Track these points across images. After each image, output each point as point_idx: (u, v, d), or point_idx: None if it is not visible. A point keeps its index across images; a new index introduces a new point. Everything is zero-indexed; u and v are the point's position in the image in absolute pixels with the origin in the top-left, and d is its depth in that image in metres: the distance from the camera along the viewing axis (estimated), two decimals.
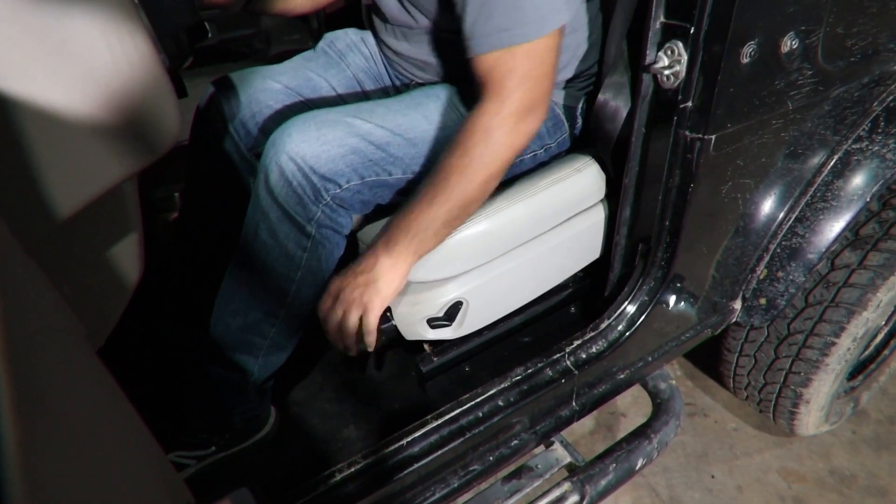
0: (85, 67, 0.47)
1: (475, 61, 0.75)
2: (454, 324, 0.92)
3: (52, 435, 0.21)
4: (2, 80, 0.45)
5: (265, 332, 0.88)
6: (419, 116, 0.83)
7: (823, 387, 1.19)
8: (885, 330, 1.32)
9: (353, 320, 0.79)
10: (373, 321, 0.79)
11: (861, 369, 1.37)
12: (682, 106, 0.76)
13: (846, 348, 1.13)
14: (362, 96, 1.06)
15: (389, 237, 0.77)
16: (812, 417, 1.27)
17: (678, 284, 0.96)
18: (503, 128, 0.74)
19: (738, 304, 1.08)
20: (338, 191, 0.79)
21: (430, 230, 0.76)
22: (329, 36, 1.06)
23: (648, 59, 0.74)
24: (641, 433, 1.02)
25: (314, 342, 1.17)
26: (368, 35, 1.07)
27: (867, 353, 1.35)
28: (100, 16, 0.46)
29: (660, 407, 1.07)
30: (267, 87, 0.97)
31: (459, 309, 0.91)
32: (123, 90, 0.49)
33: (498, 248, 0.91)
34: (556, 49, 0.75)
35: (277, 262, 0.83)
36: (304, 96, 0.99)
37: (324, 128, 0.77)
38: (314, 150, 0.76)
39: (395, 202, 0.87)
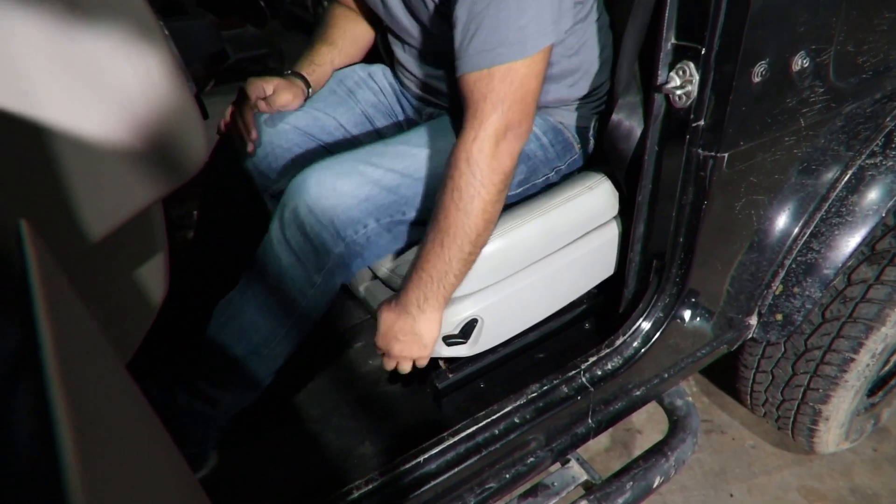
0: (119, 97, 0.49)
1: (460, 81, 0.76)
2: (469, 341, 0.93)
3: (103, 458, 0.23)
4: (41, 109, 0.47)
5: (246, 369, 0.90)
6: (427, 154, 0.86)
7: (843, 403, 1.17)
8: None
9: (407, 370, 0.89)
10: (423, 365, 0.89)
11: (881, 385, 1.35)
12: (694, 125, 0.77)
13: (865, 364, 1.11)
14: (372, 131, 1.07)
15: (419, 294, 0.80)
16: (832, 435, 1.25)
17: (693, 300, 0.96)
18: (483, 152, 0.73)
19: (753, 320, 1.07)
20: (354, 237, 0.82)
21: (450, 273, 0.78)
22: (338, 75, 1.07)
23: (660, 80, 0.75)
24: (658, 451, 1.01)
25: (329, 358, 1.18)
26: (376, 69, 1.10)
27: (887, 368, 1.33)
28: (134, 48, 0.48)
29: (676, 424, 1.06)
30: (278, 129, 0.98)
31: (475, 326, 0.92)
32: (155, 118, 0.51)
33: (513, 266, 0.92)
34: (538, 71, 0.74)
35: (276, 305, 0.86)
36: (314, 136, 1.01)
37: (339, 179, 0.80)
38: (331, 202, 0.80)
39: (414, 241, 0.89)
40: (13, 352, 0.24)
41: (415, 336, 0.83)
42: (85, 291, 0.49)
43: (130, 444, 0.32)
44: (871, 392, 1.32)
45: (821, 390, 1.16)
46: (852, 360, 1.10)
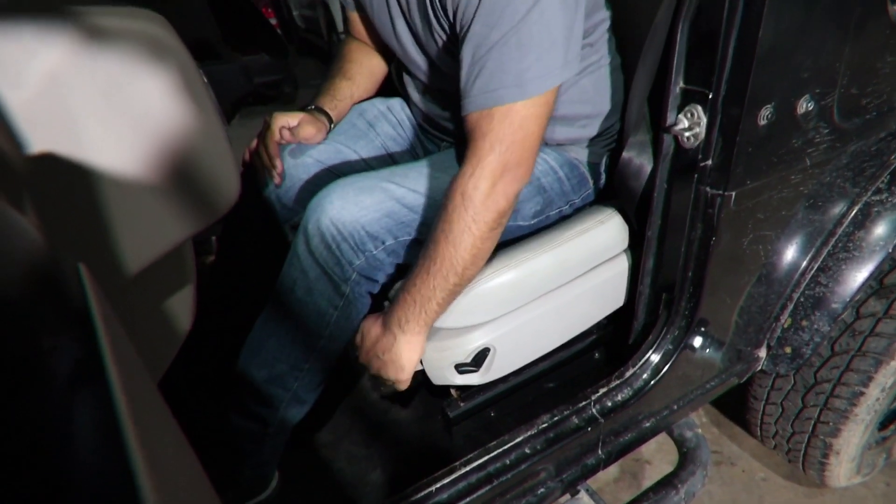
0: (160, 140, 0.52)
1: (464, 120, 0.78)
2: (481, 369, 0.94)
3: (161, 464, 0.25)
4: (89, 152, 0.51)
5: (288, 385, 0.91)
6: (448, 179, 0.88)
7: (853, 437, 1.17)
8: None
9: (388, 387, 0.88)
10: (403, 388, 0.88)
11: (892, 419, 1.34)
12: (702, 164, 0.79)
13: (875, 398, 1.12)
14: (391, 163, 1.10)
15: (401, 315, 0.81)
16: (843, 468, 1.24)
17: (702, 333, 0.98)
18: (479, 190, 0.75)
19: (762, 353, 1.08)
20: (374, 251, 0.84)
21: (433, 301, 0.79)
22: (357, 108, 1.11)
23: (669, 121, 0.78)
24: (668, 483, 1.01)
25: (342, 386, 1.20)
26: (394, 102, 1.13)
27: None
28: (177, 95, 0.52)
29: (686, 456, 1.07)
30: (299, 162, 1.01)
31: (487, 355, 0.94)
32: (192, 159, 0.54)
33: (524, 297, 0.94)
34: (539, 114, 0.75)
35: (309, 319, 0.87)
36: (335, 168, 1.04)
37: (362, 194, 0.82)
38: (353, 215, 0.81)
39: None
40: (75, 363, 0.27)
41: (394, 356, 0.83)
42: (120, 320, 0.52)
43: (175, 459, 0.34)
44: (883, 426, 1.31)
45: (831, 423, 1.16)
46: (862, 393, 1.10)
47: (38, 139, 0.47)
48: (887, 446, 1.34)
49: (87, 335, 0.29)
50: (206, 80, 0.56)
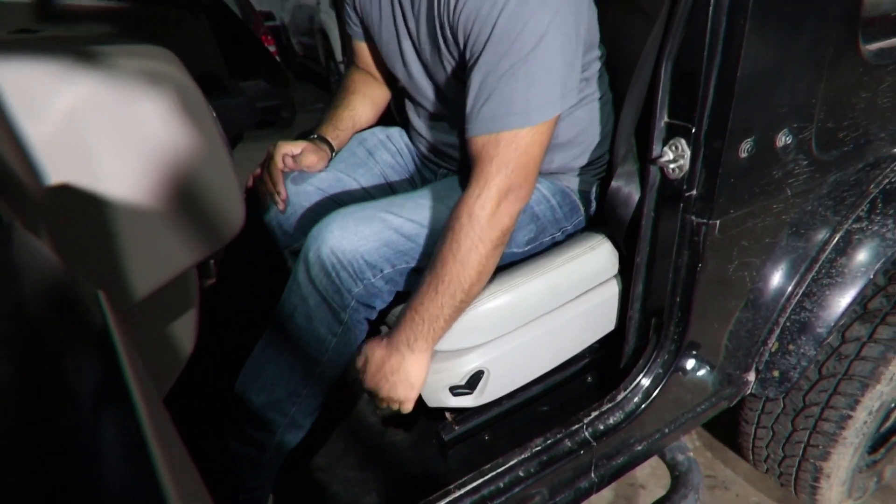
0: (170, 172, 0.55)
1: (468, 143, 0.82)
2: (475, 392, 0.96)
3: (180, 477, 0.27)
4: (98, 181, 0.53)
5: (286, 410, 0.93)
6: (444, 209, 0.91)
7: (843, 460, 1.19)
8: None
9: (394, 409, 0.89)
10: (409, 409, 0.89)
11: (882, 442, 1.36)
12: (687, 194, 0.83)
13: (862, 421, 1.13)
14: (389, 191, 1.13)
15: (409, 334, 0.83)
16: (834, 492, 1.25)
17: (692, 357, 1.00)
18: (485, 209, 0.79)
19: (751, 376, 1.10)
20: (372, 280, 0.86)
21: (440, 318, 0.82)
22: (358, 136, 1.14)
23: (655, 153, 0.82)
24: None
25: (337, 409, 1.21)
26: (393, 131, 1.17)
27: (887, 425, 1.35)
28: (188, 131, 0.54)
29: (678, 480, 1.08)
30: (300, 189, 1.05)
31: (481, 377, 0.95)
32: (200, 190, 0.57)
33: (518, 320, 0.96)
34: (541, 140, 0.80)
35: (308, 345, 0.89)
36: (335, 196, 1.07)
37: (361, 224, 0.85)
38: (353, 244, 0.84)
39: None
40: (98, 381, 0.29)
41: (403, 375, 0.85)
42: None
43: (187, 478, 0.36)
44: (873, 449, 1.32)
45: (821, 447, 1.18)
46: (849, 416, 1.12)
47: (56, 171, 0.49)
48: (878, 470, 1.35)
49: (106, 356, 0.31)
50: (214, 114, 0.59)
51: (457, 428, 1.00)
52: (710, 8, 0.71)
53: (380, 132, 1.16)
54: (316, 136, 1.07)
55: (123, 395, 0.26)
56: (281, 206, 1.02)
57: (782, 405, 1.22)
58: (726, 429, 1.52)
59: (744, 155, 0.80)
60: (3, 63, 0.48)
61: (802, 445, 1.20)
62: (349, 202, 1.08)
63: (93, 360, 0.32)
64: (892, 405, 1.26)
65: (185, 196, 0.55)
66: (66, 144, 0.49)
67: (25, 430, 0.22)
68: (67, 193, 0.50)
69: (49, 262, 0.34)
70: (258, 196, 1.06)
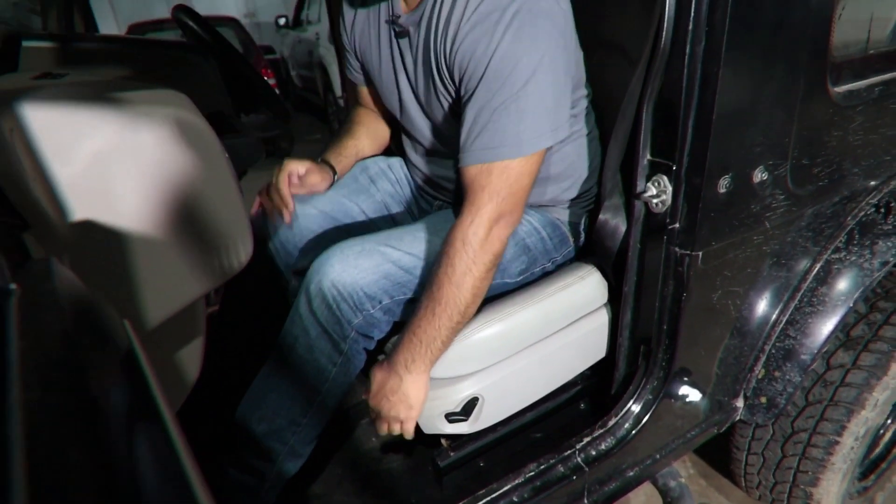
0: (185, 210, 0.59)
1: (462, 172, 0.87)
2: (470, 418, 0.98)
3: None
4: (118, 218, 0.57)
5: (286, 439, 0.95)
6: (440, 242, 0.94)
7: (832, 486, 1.20)
8: (894, 428, 1.35)
9: (396, 431, 0.93)
10: (410, 430, 0.93)
11: (872, 469, 1.38)
12: (670, 227, 0.87)
13: (850, 447, 1.16)
14: (388, 218, 1.19)
15: (407, 356, 0.87)
16: None
17: (681, 383, 1.03)
18: (478, 235, 0.83)
19: (740, 402, 1.13)
20: (371, 311, 0.90)
21: (437, 340, 0.86)
22: (360, 164, 1.21)
23: (639, 189, 0.87)
24: None
25: (334, 436, 1.22)
26: (394, 161, 1.23)
27: (876, 451, 1.37)
28: (202, 169, 0.59)
29: None
30: (305, 213, 1.10)
31: (476, 404, 0.98)
32: (212, 227, 0.61)
33: (511, 348, 0.99)
34: (531, 170, 0.85)
35: (309, 375, 0.92)
36: (337, 219, 1.12)
37: (360, 257, 0.90)
38: (353, 277, 0.88)
39: None
40: (128, 405, 0.32)
41: (402, 395, 0.89)
42: None
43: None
44: (864, 475, 1.34)
45: (810, 472, 1.19)
46: (837, 442, 1.15)
47: (80, 208, 0.53)
48: (869, 496, 1.36)
49: (134, 380, 0.34)
50: (227, 155, 0.63)
51: (452, 454, 1.02)
52: (686, 57, 0.76)
53: (382, 161, 1.22)
54: (321, 159, 1.13)
55: (154, 417, 0.30)
56: (287, 219, 1.06)
57: (772, 431, 1.24)
58: (720, 457, 1.53)
59: (722, 190, 0.84)
60: (35, 108, 0.52)
61: (793, 471, 1.22)
62: (351, 226, 1.13)
63: (119, 383, 0.35)
64: (879, 431, 1.28)
65: (198, 232, 0.59)
66: (91, 184, 0.53)
67: (77, 448, 0.25)
68: (90, 229, 0.54)
69: (82, 293, 0.38)
70: (262, 220, 1.10)
